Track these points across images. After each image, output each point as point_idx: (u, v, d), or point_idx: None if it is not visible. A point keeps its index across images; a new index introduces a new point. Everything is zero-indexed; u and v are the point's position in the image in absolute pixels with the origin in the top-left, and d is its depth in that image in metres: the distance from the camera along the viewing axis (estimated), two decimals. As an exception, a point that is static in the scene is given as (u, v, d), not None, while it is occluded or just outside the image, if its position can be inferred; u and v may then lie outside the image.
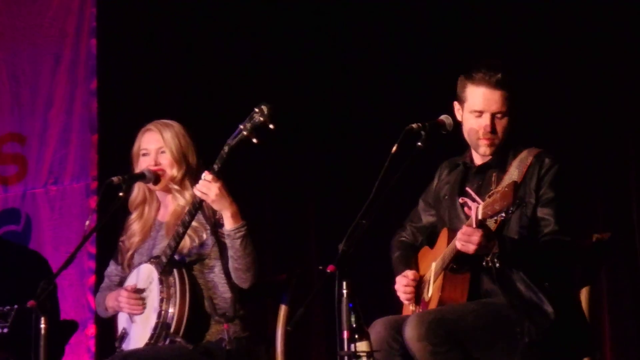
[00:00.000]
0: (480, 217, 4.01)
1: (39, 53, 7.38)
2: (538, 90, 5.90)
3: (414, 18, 6.51)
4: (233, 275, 4.67)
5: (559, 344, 4.20)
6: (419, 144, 4.14)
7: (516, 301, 4.20)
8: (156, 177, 4.81)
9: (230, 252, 4.64)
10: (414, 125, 4.17)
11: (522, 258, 4.19)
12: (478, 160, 4.45)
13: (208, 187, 4.56)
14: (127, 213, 5.08)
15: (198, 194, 4.58)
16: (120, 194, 4.71)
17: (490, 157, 4.40)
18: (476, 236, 4.06)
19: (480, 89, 4.34)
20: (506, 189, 3.93)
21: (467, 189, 4.25)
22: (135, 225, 4.92)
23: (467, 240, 4.08)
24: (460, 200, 4.19)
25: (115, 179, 4.73)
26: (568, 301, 4.27)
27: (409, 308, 4.54)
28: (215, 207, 4.61)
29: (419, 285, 4.49)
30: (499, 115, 4.33)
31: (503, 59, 4.45)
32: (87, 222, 4.84)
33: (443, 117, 4.27)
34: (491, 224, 4.13)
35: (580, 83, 6.13)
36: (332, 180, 6.65)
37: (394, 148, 4.04)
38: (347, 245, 3.84)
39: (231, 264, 4.66)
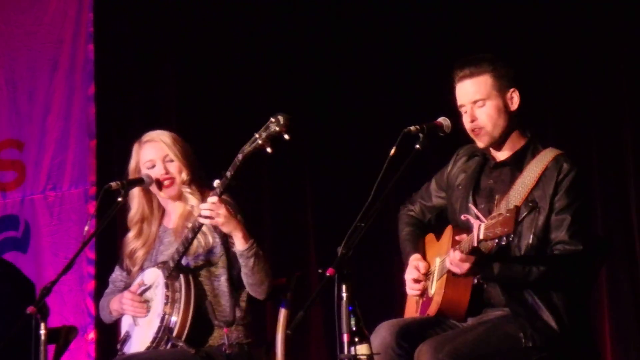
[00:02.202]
0: (481, 237, 4.00)
1: (36, 59, 7.38)
2: (535, 88, 5.90)
3: (412, 19, 6.51)
4: (248, 289, 4.70)
5: (561, 356, 4.21)
6: (417, 146, 4.14)
7: (520, 310, 4.21)
8: (158, 183, 4.81)
9: (244, 270, 4.65)
10: (412, 128, 4.16)
11: (516, 279, 4.19)
12: (495, 153, 4.44)
13: (216, 212, 4.55)
14: (127, 218, 5.07)
15: (206, 221, 4.57)
16: (119, 199, 4.71)
17: (508, 154, 4.39)
18: (466, 265, 4.09)
19: (457, 85, 4.41)
20: (507, 214, 3.91)
21: (471, 205, 4.24)
22: (133, 244, 4.91)
23: (457, 265, 4.11)
24: (462, 217, 4.19)
25: (113, 184, 4.73)
26: (575, 315, 4.24)
27: (413, 300, 4.55)
28: (225, 229, 4.60)
29: (426, 275, 4.51)
30: (479, 104, 4.35)
31: (479, 53, 4.46)
32: (86, 228, 4.84)
33: (441, 119, 4.27)
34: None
35: (580, 82, 6.14)
36: (331, 183, 6.65)
37: (392, 150, 4.04)
38: (346, 248, 3.83)
39: (245, 280, 4.68)
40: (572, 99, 6.16)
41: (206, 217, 4.57)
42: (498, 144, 4.39)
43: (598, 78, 6.10)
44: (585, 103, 6.13)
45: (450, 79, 4.41)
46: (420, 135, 4.16)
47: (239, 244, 4.61)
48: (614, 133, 6.09)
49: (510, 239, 3.95)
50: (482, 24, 6.30)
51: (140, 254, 4.88)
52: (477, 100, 4.34)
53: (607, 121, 6.10)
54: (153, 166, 4.82)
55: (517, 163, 4.36)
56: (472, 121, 4.35)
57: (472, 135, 4.38)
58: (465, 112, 4.37)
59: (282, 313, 4.89)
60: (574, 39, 6.15)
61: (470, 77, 4.36)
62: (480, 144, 4.39)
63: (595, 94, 6.12)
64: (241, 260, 4.63)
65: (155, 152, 4.83)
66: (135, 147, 4.89)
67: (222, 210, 4.55)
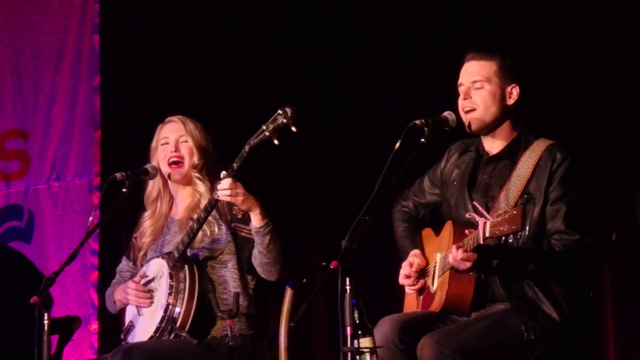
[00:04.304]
0: (487, 234, 4.02)
1: (41, 49, 7.38)
2: (540, 82, 5.90)
3: (419, 14, 6.51)
4: (260, 269, 4.70)
5: (563, 346, 4.21)
6: (422, 140, 4.15)
7: (520, 304, 4.22)
8: (161, 172, 4.82)
9: (259, 248, 4.65)
10: (417, 122, 4.18)
11: (514, 271, 4.22)
12: (489, 148, 4.45)
13: (234, 191, 4.56)
14: (131, 209, 5.07)
15: (227, 198, 4.58)
16: (124, 190, 4.72)
17: (501, 147, 4.40)
18: (468, 263, 4.12)
19: (463, 65, 4.46)
20: (514, 212, 3.94)
21: (475, 203, 4.26)
22: (147, 222, 4.93)
23: (459, 263, 4.13)
24: (467, 215, 4.20)
25: (118, 175, 4.74)
26: (575, 305, 4.25)
27: (412, 296, 4.56)
28: (245, 207, 4.62)
29: (422, 271, 4.51)
30: (478, 84, 4.38)
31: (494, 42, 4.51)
32: (90, 219, 4.84)
33: (446, 113, 4.28)
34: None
35: (584, 78, 6.13)
36: (335, 176, 6.65)
37: (397, 144, 4.04)
38: (350, 241, 3.84)
39: (260, 260, 4.68)
40: (577, 95, 6.14)
41: (230, 197, 4.57)
42: (488, 132, 4.41)
43: (603, 75, 6.09)
44: (590, 100, 6.12)
45: (460, 60, 4.45)
46: (426, 129, 4.17)
47: (256, 220, 4.62)
48: (619, 130, 6.08)
49: (519, 237, 3.97)
50: (488, 19, 6.29)
51: (147, 240, 4.89)
52: (477, 80, 4.38)
53: (612, 118, 6.09)
54: (166, 143, 4.86)
55: (511, 156, 4.38)
56: (465, 98, 4.38)
57: (463, 115, 4.39)
58: (462, 91, 4.39)
59: (286, 305, 4.89)
60: (579, 36, 6.14)
61: (478, 59, 4.41)
62: (471, 126, 4.39)
63: (600, 90, 6.11)
64: (257, 238, 4.64)
65: (172, 131, 4.88)
66: (158, 127, 4.94)
67: (240, 189, 4.56)
